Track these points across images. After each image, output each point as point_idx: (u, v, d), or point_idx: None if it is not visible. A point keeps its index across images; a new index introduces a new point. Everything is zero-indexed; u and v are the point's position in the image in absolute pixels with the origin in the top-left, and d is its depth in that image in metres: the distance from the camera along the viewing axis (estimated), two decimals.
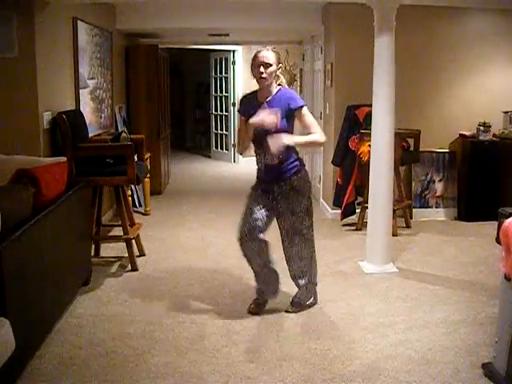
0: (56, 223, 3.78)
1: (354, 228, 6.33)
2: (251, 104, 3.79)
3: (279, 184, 3.84)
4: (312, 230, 4.01)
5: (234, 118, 11.40)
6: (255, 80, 3.75)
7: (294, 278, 4.11)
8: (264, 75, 3.66)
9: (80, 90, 5.58)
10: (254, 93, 3.86)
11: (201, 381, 3.19)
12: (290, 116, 3.74)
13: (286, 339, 3.69)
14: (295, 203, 3.86)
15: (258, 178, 3.99)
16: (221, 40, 9.22)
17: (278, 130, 3.62)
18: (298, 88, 10.30)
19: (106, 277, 4.84)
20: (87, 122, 5.46)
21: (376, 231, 5.02)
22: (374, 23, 4.84)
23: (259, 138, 3.71)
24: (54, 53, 4.95)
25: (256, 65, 3.69)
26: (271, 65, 3.67)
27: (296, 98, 3.77)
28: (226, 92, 11.59)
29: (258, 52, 3.72)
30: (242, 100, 3.99)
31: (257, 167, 3.96)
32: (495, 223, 3.56)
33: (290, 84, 11.39)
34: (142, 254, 5.35)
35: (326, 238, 6.05)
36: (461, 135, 6.81)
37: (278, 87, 3.79)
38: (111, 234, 5.84)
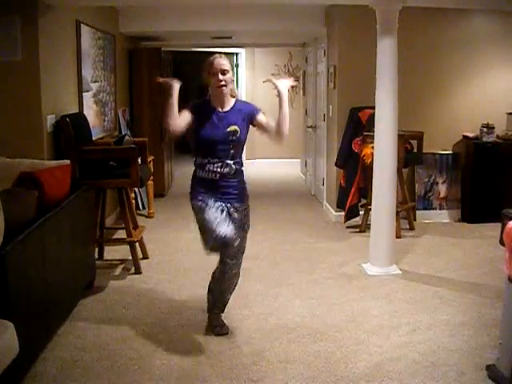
0: (60, 226, 3.79)
1: (358, 230, 6.32)
2: (204, 110, 3.66)
3: (234, 204, 3.68)
4: None
5: None
6: (211, 89, 3.65)
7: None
8: (223, 82, 3.58)
9: (83, 94, 5.59)
10: (206, 101, 3.71)
11: (204, 383, 3.19)
12: (249, 125, 3.71)
13: (290, 341, 3.68)
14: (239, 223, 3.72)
15: (200, 192, 3.65)
16: (224, 42, 9.23)
17: (241, 139, 3.65)
18: (301, 90, 10.30)
19: (110, 279, 4.85)
20: (90, 125, 5.47)
21: (379, 233, 5.01)
22: (377, 25, 4.84)
23: (214, 146, 3.59)
24: (58, 56, 4.96)
25: (214, 73, 3.58)
26: (228, 71, 3.61)
27: (254, 105, 3.80)
28: None
29: (213, 59, 3.61)
30: (195, 103, 3.76)
31: (201, 178, 3.65)
32: (499, 225, 3.56)
33: (293, 87, 11.41)
34: (145, 257, 5.36)
35: (330, 240, 6.05)
36: (464, 137, 6.80)
37: (234, 99, 3.72)
38: (115, 236, 5.84)
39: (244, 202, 3.75)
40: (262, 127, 3.69)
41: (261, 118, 3.68)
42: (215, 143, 3.58)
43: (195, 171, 3.70)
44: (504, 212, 3.58)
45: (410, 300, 4.38)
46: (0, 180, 3.66)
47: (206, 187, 3.63)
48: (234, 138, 3.60)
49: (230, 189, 3.65)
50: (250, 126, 3.71)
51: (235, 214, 3.66)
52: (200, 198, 3.61)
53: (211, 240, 3.52)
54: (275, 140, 3.67)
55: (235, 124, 3.61)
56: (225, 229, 3.49)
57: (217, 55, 3.64)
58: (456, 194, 6.85)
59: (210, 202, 3.59)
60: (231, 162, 3.63)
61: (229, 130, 3.59)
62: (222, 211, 3.60)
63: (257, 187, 8.83)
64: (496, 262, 5.07)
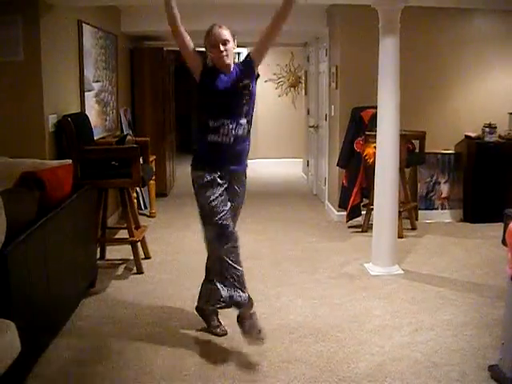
0: (61, 226, 3.79)
1: (360, 230, 6.31)
2: (213, 70, 3.50)
3: (235, 171, 3.60)
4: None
5: None
6: (213, 58, 3.49)
7: None
8: (225, 53, 3.42)
9: (85, 93, 5.59)
10: (212, 67, 3.53)
11: (207, 383, 3.19)
12: (254, 74, 3.58)
13: (292, 341, 3.68)
14: (241, 198, 3.73)
15: (207, 163, 3.53)
16: None
17: (253, 92, 3.55)
18: (303, 90, 10.29)
19: (112, 279, 4.84)
20: (92, 125, 5.47)
21: (381, 233, 5.01)
22: (379, 25, 4.84)
23: (229, 102, 3.48)
24: (59, 56, 4.96)
25: (214, 44, 3.42)
26: (229, 41, 3.44)
27: (243, 57, 3.70)
28: None
29: (212, 29, 3.45)
30: (206, 64, 3.55)
31: (211, 144, 3.49)
32: (501, 225, 3.56)
33: (294, 86, 11.41)
34: (147, 257, 5.35)
35: (332, 239, 6.05)
36: (466, 136, 6.79)
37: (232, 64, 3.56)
38: (117, 236, 5.84)
39: (246, 167, 3.71)
40: (264, 38, 3.55)
41: (254, 48, 3.59)
42: (229, 98, 3.46)
43: (204, 136, 3.51)
44: (506, 212, 3.58)
45: (412, 300, 4.37)
46: (2, 180, 3.66)
47: (216, 154, 3.49)
48: (246, 91, 3.49)
49: (242, 154, 3.58)
50: (258, 73, 3.60)
51: (240, 189, 3.66)
52: (208, 168, 3.49)
53: (211, 223, 3.47)
54: (283, 17, 3.57)
55: (244, 78, 3.50)
56: (227, 216, 3.47)
57: (215, 25, 3.47)
58: (458, 194, 6.84)
59: (217, 177, 3.48)
60: (245, 120, 3.52)
61: (241, 84, 3.48)
62: (226, 190, 3.54)
63: (258, 187, 8.83)
64: (498, 262, 5.06)
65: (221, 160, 3.52)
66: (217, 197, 3.48)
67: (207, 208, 3.49)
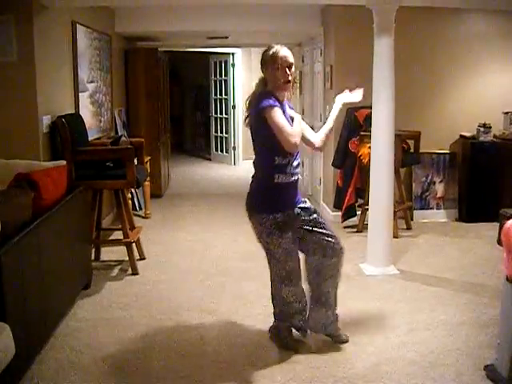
0: (56, 227, 3.78)
1: (355, 230, 6.31)
2: (280, 105, 3.26)
3: (301, 206, 3.45)
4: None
5: (234, 120, 11.45)
6: (274, 82, 3.27)
7: None
8: (290, 78, 3.26)
9: (79, 94, 5.57)
10: (274, 95, 3.27)
11: None
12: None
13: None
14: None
15: (280, 206, 3.33)
16: (220, 43, 9.22)
17: None
18: (298, 90, 10.28)
19: (107, 281, 4.83)
20: (87, 126, 5.45)
21: (377, 233, 5.01)
22: (374, 25, 4.84)
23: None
24: (53, 57, 4.94)
25: (280, 67, 3.23)
26: (293, 64, 3.28)
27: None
28: (226, 95, 11.59)
29: (278, 51, 3.26)
30: (274, 100, 3.22)
31: (283, 183, 3.32)
32: (496, 224, 3.57)
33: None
34: (142, 258, 5.34)
35: None
36: (461, 136, 6.80)
37: None
38: (111, 237, 5.82)
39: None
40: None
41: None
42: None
43: (271, 177, 3.28)
44: (502, 212, 3.59)
45: (407, 300, 4.37)
46: None
47: (286, 195, 3.34)
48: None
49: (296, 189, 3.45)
50: None
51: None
52: (282, 209, 3.30)
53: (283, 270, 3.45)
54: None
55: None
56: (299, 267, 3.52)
57: (278, 46, 3.30)
58: (453, 194, 6.85)
59: (291, 220, 3.36)
60: (300, 159, 3.44)
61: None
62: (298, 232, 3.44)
63: None
64: (493, 261, 5.07)
65: (290, 202, 3.40)
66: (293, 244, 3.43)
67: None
